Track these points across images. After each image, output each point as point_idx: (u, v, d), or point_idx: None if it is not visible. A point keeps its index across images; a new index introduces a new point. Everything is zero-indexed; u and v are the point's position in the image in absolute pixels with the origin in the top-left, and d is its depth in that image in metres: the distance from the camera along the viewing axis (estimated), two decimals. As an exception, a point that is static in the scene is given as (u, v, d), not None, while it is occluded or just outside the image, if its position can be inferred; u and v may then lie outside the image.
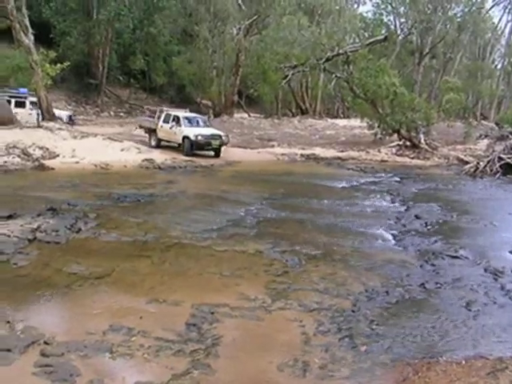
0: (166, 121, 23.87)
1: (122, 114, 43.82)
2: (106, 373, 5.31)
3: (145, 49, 45.62)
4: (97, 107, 42.96)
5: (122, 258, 8.79)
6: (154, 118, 25.21)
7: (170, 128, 23.37)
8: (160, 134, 24.24)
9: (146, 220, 11.48)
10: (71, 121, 29.10)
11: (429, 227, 12.51)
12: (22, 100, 24.85)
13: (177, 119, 23.45)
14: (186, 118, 24.19)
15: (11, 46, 32.11)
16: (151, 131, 24.85)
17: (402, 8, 48.54)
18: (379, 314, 7.09)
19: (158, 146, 24.08)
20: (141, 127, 26.46)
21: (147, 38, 45.14)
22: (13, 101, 24.68)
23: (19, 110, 24.35)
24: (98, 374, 5.24)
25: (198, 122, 24.53)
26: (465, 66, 59.83)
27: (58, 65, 29.55)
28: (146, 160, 20.42)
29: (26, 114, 24.04)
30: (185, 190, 15.83)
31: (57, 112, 29.19)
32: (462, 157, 28.19)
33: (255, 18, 40.48)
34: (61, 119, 27.61)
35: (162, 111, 25.12)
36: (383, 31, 48.44)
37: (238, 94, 45.51)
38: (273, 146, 29.07)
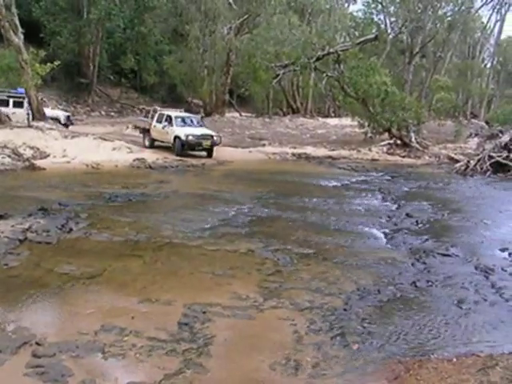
0: (159, 120, 23.79)
1: (112, 113, 43.77)
2: (98, 373, 5.29)
3: (135, 48, 45.57)
4: (87, 107, 42.88)
5: (113, 257, 8.77)
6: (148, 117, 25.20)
7: (163, 128, 23.27)
8: (153, 134, 24.17)
9: (138, 220, 11.46)
10: (69, 121, 28.92)
11: (420, 225, 12.56)
12: (20, 100, 24.83)
13: (169, 119, 23.35)
14: (178, 117, 24.07)
15: (0, 45, 31.93)
16: (145, 131, 24.80)
17: (392, 7, 48.65)
18: (371, 312, 7.11)
19: (152, 146, 24.02)
20: (136, 127, 26.47)
21: (138, 37, 45.13)
22: (11, 101, 24.75)
23: (17, 110, 24.35)
24: (90, 374, 5.23)
25: (190, 122, 24.35)
26: (455, 65, 60.12)
27: (48, 64, 29.40)
28: (138, 159, 20.37)
29: (24, 113, 23.99)
30: (176, 189, 15.81)
31: (55, 112, 29.07)
32: (453, 155, 28.33)
33: (246, 17, 40.52)
34: (58, 120, 27.45)
35: (155, 111, 25.06)
36: (373, 30, 48.50)
37: (229, 94, 45.52)
38: (264, 145, 29.10)
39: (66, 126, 27.28)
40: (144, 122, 25.31)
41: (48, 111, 27.61)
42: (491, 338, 6.58)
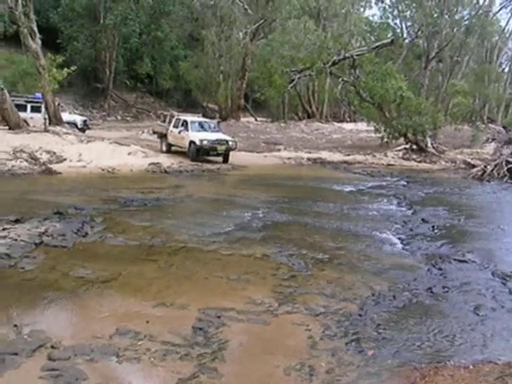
0: (175, 125, 23.88)
1: (128, 118, 44.07)
2: (112, 377, 5.30)
3: (151, 53, 45.84)
4: (103, 111, 43.21)
5: (128, 261, 8.80)
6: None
7: (179, 133, 23.35)
8: (170, 139, 24.29)
9: (153, 224, 11.49)
10: (86, 125, 29.15)
11: (436, 231, 12.47)
12: (38, 105, 25.19)
13: (185, 124, 23.41)
14: (194, 122, 24.11)
15: (19, 51, 32.32)
16: (163, 136, 24.97)
17: (409, 12, 48.42)
18: (386, 318, 7.06)
19: (169, 151, 24.12)
20: (154, 132, 26.74)
21: (154, 42, 45.39)
22: (29, 106, 25.14)
23: (35, 115, 24.78)
24: (104, 378, 5.24)
25: (206, 127, 24.32)
26: (472, 70, 59.62)
27: (65, 69, 29.71)
28: (153, 164, 20.46)
29: (42, 118, 24.30)
30: (191, 194, 15.84)
31: (72, 117, 29.34)
32: (469, 160, 28.14)
33: (261, 22, 40.54)
34: (75, 124, 27.69)
35: (172, 116, 25.18)
36: (389, 35, 48.32)
37: (244, 98, 45.58)
38: (279, 150, 29.11)
39: (82, 130, 27.49)
40: (161, 127, 25.45)
41: (65, 116, 27.87)
42: (509, 345, 6.49)
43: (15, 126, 22.45)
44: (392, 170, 25.61)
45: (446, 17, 42.18)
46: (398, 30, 51.09)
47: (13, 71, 30.79)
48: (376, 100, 29.68)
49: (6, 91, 22.29)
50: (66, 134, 22.79)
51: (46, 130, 22.70)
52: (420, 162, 28.58)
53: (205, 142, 22.41)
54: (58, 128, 23.87)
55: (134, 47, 44.74)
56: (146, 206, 13.52)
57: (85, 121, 29.78)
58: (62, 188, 15.19)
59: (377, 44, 37.59)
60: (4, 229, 9.90)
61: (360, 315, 7.08)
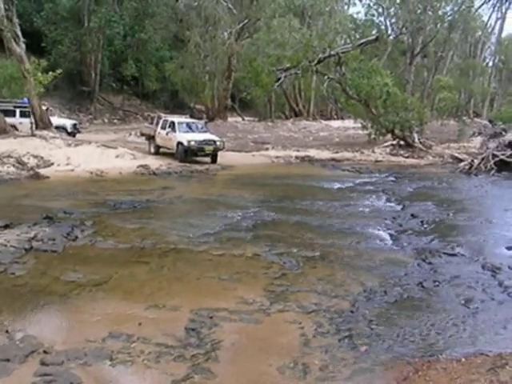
0: (163, 127, 23.81)
1: (115, 120, 43.84)
2: (106, 380, 5.30)
3: (136, 55, 45.60)
4: (90, 114, 42.94)
5: (119, 264, 8.78)
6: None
7: (167, 134, 23.30)
8: (158, 141, 24.22)
9: (143, 226, 11.47)
10: (76, 129, 28.87)
11: (425, 226, 12.54)
12: (27, 110, 25.00)
13: (172, 125, 23.36)
14: (181, 123, 24.05)
15: (2, 55, 32.07)
16: (150, 138, 24.90)
17: (393, 8, 48.60)
18: (378, 313, 7.10)
19: (158, 153, 24.06)
20: (142, 134, 26.61)
21: (138, 44, 45.21)
22: (18, 111, 24.95)
23: (23, 120, 24.59)
24: (98, 381, 5.24)
25: (193, 128, 24.27)
26: (456, 65, 59.98)
27: (50, 73, 29.52)
28: (141, 166, 20.37)
29: (30, 123, 24.16)
30: (181, 195, 15.80)
31: (61, 121, 29.11)
32: (457, 155, 28.28)
33: (246, 21, 40.50)
34: (65, 129, 27.47)
35: (159, 117, 25.11)
36: (374, 32, 48.47)
37: (231, 98, 45.52)
38: (267, 149, 29.08)
39: (73, 134, 27.16)
40: (149, 128, 25.39)
41: (54, 120, 27.66)
42: (500, 337, 6.56)
43: (1, 131, 22.30)
44: (380, 166, 25.70)
45: (430, 13, 42.42)
46: (383, 27, 51.21)
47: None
48: (362, 97, 29.77)
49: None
50: (53, 138, 22.65)
51: (32, 135, 22.56)
52: (408, 157, 28.68)
53: (192, 143, 22.36)
54: (44, 132, 23.73)
55: (119, 49, 44.48)
56: (136, 208, 13.48)
57: (75, 124, 29.40)
58: (51, 192, 15.10)
59: (362, 41, 37.76)
60: (-7, 235, 9.85)
61: (352, 311, 7.12)
